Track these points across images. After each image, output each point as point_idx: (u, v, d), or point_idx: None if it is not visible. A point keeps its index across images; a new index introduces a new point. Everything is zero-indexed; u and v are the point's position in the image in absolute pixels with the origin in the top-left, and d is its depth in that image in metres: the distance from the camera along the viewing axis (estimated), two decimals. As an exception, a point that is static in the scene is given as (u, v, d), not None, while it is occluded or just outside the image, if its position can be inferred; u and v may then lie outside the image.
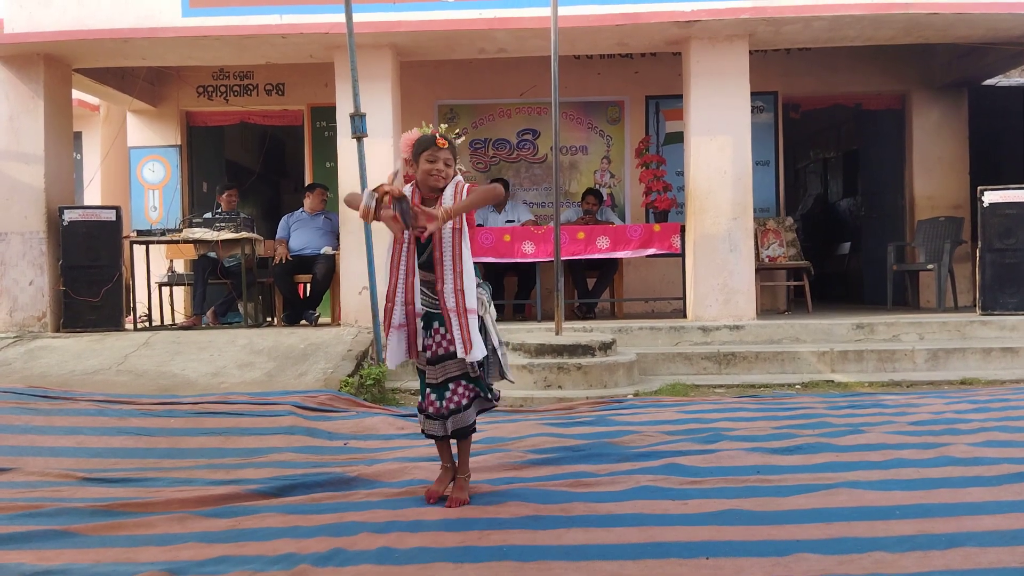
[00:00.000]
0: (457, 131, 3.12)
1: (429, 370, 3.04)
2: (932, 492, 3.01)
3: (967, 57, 8.41)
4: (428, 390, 3.06)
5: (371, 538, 2.61)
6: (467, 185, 2.99)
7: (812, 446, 3.72)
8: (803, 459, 3.53)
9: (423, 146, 2.95)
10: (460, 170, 3.11)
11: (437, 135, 2.95)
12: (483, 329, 3.00)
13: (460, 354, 2.91)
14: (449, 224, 2.90)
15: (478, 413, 3.09)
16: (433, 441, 3.17)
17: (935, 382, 5.75)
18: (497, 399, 3.16)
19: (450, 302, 2.92)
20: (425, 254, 2.97)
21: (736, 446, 3.76)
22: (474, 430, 3.10)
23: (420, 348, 3.02)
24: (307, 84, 9.05)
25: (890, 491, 3.02)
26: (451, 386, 3.01)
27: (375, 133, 6.61)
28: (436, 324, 2.99)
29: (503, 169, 9.15)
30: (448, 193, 2.97)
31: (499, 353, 3.11)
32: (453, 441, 3.13)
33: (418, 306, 2.97)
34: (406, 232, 2.91)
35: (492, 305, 3.10)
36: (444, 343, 2.99)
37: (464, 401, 3.01)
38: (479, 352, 2.92)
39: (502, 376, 3.15)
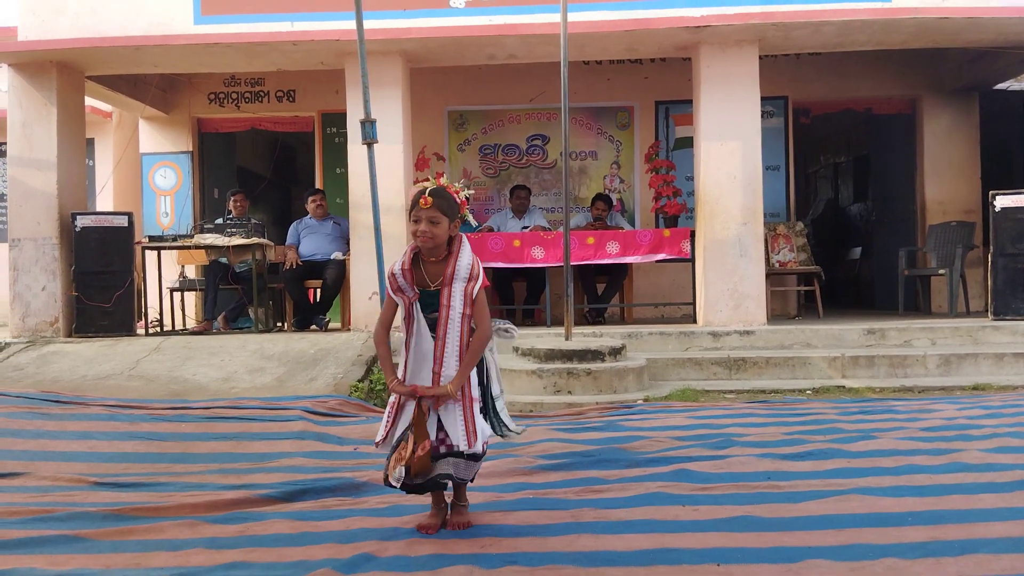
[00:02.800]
0: (459, 184, 2.85)
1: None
2: (944, 498, 2.99)
3: (978, 62, 8.38)
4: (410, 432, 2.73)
5: (381, 545, 2.61)
6: (481, 281, 2.76)
7: (823, 452, 3.70)
8: (814, 465, 3.52)
9: (411, 206, 2.76)
10: (472, 223, 2.92)
11: (423, 193, 2.71)
12: (487, 375, 2.83)
13: (462, 447, 2.68)
14: (459, 306, 2.71)
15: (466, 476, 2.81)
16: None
17: (947, 387, 5.71)
18: (477, 459, 2.80)
19: (470, 390, 2.74)
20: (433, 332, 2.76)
21: (747, 452, 3.75)
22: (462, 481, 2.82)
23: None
24: (318, 91, 9.09)
25: (902, 497, 3.00)
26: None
27: (385, 139, 6.63)
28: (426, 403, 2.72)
29: (513, 175, 9.16)
30: (463, 262, 2.74)
31: (500, 404, 2.87)
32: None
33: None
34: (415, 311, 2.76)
35: (495, 349, 2.89)
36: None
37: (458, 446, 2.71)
38: (481, 442, 2.72)
39: (494, 431, 2.85)
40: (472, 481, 2.90)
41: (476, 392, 2.77)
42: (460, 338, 2.73)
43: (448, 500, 2.89)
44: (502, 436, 2.91)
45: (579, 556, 2.51)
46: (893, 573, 2.32)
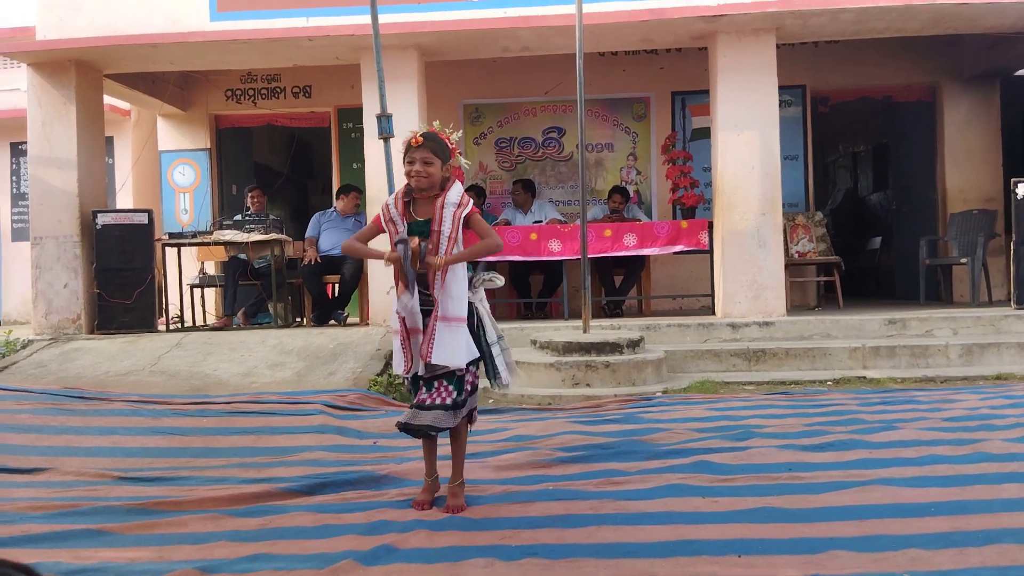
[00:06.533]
0: (450, 130, 3.07)
1: (426, 366, 2.95)
2: (967, 488, 2.96)
3: (997, 47, 8.28)
4: (421, 383, 2.97)
5: (401, 537, 2.63)
6: (471, 207, 2.94)
7: (844, 443, 3.68)
8: (836, 456, 3.50)
9: (404, 149, 2.98)
10: (464, 164, 3.09)
11: (415, 134, 2.97)
12: (480, 324, 2.97)
13: (435, 360, 2.85)
14: (447, 230, 2.88)
15: (463, 422, 2.99)
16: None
17: (969, 377, 5.66)
18: (467, 418, 3.02)
19: (439, 310, 2.87)
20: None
21: (767, 443, 3.73)
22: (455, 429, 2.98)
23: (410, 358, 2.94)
24: (333, 86, 9.12)
25: (925, 488, 2.98)
26: (435, 384, 2.93)
27: (402, 134, 6.56)
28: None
29: (528, 168, 9.15)
30: (454, 192, 2.93)
31: (496, 351, 3.01)
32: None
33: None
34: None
35: (485, 290, 3.04)
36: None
37: (445, 400, 2.90)
38: (456, 361, 2.85)
39: (496, 377, 3.02)
40: (461, 423, 2.98)
41: (459, 313, 2.88)
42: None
43: (438, 487, 3.06)
44: (497, 388, 3.06)
45: (599, 548, 2.51)
46: (916, 564, 2.31)
